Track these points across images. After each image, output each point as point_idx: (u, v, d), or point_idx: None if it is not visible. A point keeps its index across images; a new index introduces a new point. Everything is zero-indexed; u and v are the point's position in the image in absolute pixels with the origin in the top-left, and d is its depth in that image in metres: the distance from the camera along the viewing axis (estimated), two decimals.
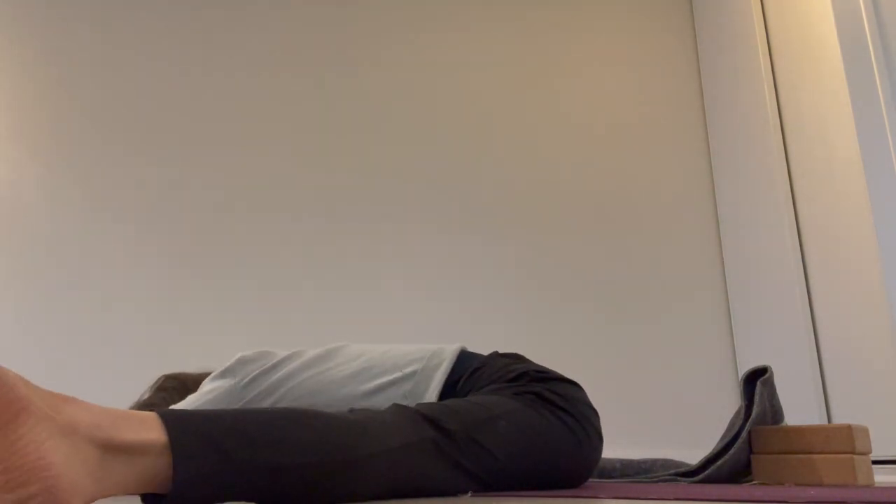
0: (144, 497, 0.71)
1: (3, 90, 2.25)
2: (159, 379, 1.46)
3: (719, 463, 1.35)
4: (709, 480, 1.35)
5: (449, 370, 1.23)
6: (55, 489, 0.58)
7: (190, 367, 1.53)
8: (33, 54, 2.30)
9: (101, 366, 2.10)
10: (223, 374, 1.27)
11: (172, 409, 0.72)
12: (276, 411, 0.81)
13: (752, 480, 1.36)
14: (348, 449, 0.81)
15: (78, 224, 2.20)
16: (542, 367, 1.19)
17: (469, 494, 0.93)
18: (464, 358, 1.26)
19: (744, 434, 1.36)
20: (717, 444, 1.40)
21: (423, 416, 0.93)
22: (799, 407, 2.32)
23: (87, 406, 0.65)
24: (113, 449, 0.64)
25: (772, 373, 1.38)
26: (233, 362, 1.28)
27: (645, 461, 1.55)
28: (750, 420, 1.36)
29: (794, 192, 2.51)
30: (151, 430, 0.68)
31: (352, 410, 0.92)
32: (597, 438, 1.14)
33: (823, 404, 2.30)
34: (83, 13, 2.37)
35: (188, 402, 1.24)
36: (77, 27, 2.35)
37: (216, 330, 2.20)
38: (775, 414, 1.38)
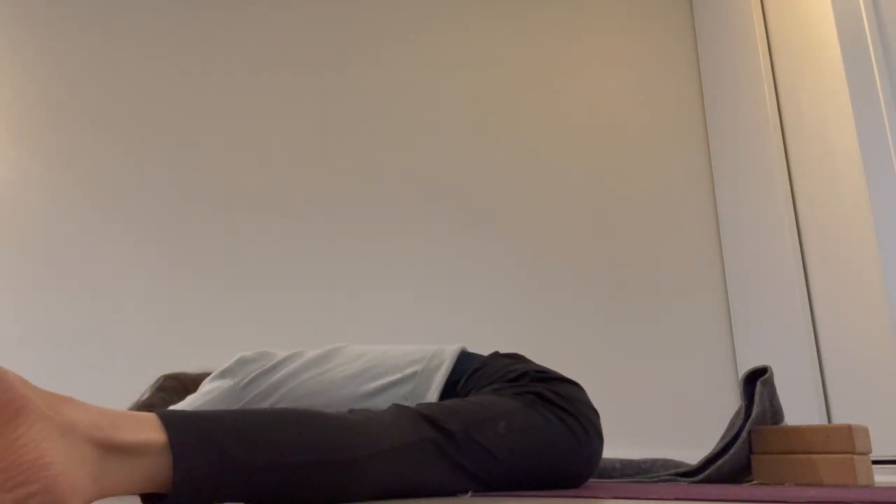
0: (144, 497, 0.71)
1: (3, 90, 2.25)
2: (159, 379, 1.46)
3: (719, 463, 1.35)
4: (709, 480, 1.35)
5: (449, 371, 1.23)
6: (54, 488, 0.58)
7: (190, 367, 1.53)
8: (33, 54, 2.30)
9: (102, 365, 2.10)
10: (223, 375, 1.27)
11: (171, 410, 0.72)
12: (276, 411, 0.80)
13: (752, 480, 1.36)
14: (348, 449, 0.81)
15: (78, 224, 2.20)
16: (542, 367, 1.19)
17: (469, 494, 0.93)
18: (464, 358, 1.26)
19: (744, 434, 1.36)
20: (717, 444, 1.40)
21: (424, 416, 0.93)
22: (799, 407, 2.32)
23: (86, 406, 0.65)
24: (112, 449, 0.64)
25: (772, 373, 1.38)
26: (232, 363, 1.28)
27: (645, 461, 1.55)
28: (750, 420, 1.36)
29: (794, 192, 2.51)
30: (150, 430, 0.68)
31: (351, 411, 0.92)
32: (597, 438, 1.14)
33: (823, 404, 2.30)
34: (83, 13, 2.37)
35: (187, 403, 1.24)
36: (77, 27, 2.35)
37: (217, 330, 2.20)
38: (775, 414, 1.38)
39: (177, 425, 0.69)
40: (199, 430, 0.70)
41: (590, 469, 1.13)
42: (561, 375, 1.17)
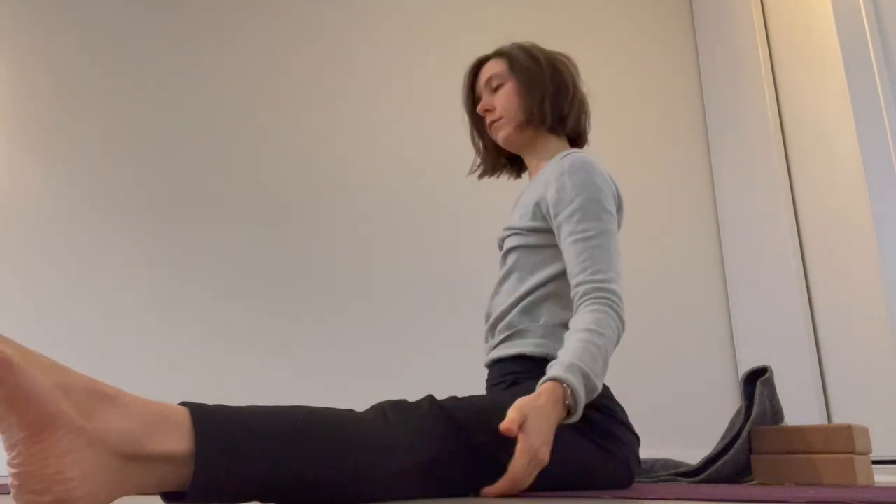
0: (165, 495, 0.72)
1: (2, 90, 2.25)
2: None
3: (719, 463, 1.35)
4: (709, 480, 1.35)
5: None
6: (67, 503, 0.60)
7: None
8: (33, 54, 2.30)
9: (103, 365, 2.10)
10: None
11: (205, 410, 0.72)
12: (308, 421, 0.79)
13: (752, 480, 1.36)
14: (373, 467, 0.81)
15: (78, 224, 2.20)
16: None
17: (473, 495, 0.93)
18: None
19: (744, 434, 1.36)
20: (718, 444, 1.41)
21: (456, 428, 0.91)
22: (799, 407, 2.32)
23: (126, 406, 0.66)
24: (138, 458, 0.66)
25: (772, 373, 1.38)
26: None
27: (645, 461, 1.56)
28: (750, 420, 1.36)
29: (794, 192, 2.52)
30: (180, 439, 0.68)
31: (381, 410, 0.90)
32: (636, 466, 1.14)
33: (823, 404, 2.30)
34: (83, 13, 2.37)
35: None
36: (77, 27, 2.35)
37: (216, 330, 2.20)
38: (775, 414, 1.38)
39: (207, 433, 0.70)
40: (226, 440, 0.71)
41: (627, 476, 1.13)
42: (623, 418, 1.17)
